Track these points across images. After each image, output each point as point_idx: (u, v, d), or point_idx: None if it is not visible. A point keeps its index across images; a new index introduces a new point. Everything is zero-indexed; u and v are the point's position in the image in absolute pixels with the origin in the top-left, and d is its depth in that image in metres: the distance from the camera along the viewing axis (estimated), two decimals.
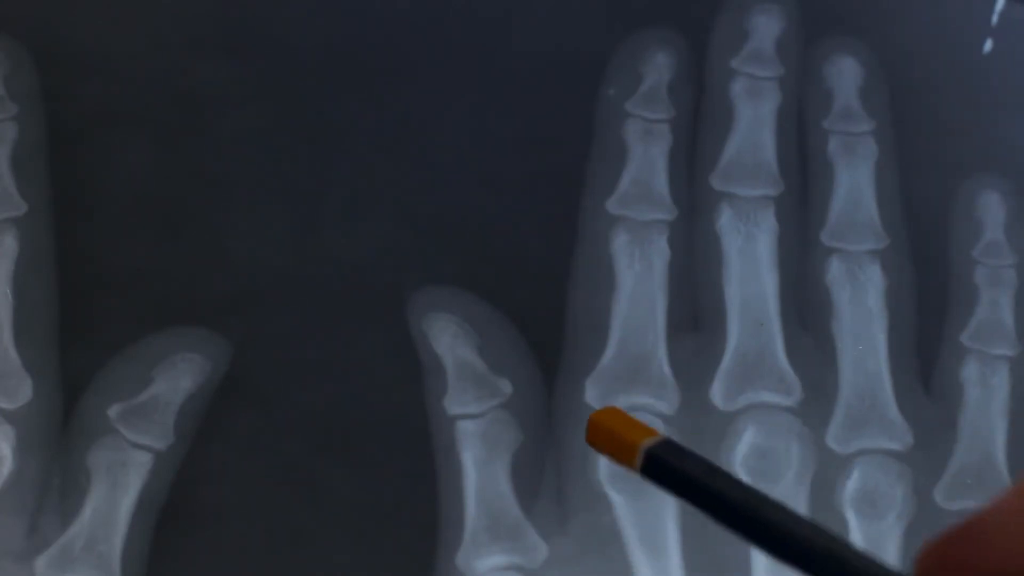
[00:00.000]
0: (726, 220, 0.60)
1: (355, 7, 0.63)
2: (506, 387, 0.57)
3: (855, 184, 0.61)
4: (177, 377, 0.56)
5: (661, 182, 0.61)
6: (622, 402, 0.57)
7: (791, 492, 0.56)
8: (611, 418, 0.34)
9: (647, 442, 0.33)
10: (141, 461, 0.55)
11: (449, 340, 0.57)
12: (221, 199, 0.59)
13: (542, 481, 0.56)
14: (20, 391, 0.55)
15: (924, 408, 0.58)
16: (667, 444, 0.33)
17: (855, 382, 0.58)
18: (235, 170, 0.60)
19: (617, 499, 0.55)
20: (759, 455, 0.56)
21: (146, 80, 0.61)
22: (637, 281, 0.59)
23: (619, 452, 0.34)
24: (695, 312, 0.59)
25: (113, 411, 0.55)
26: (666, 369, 0.58)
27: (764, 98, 0.62)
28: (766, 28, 0.63)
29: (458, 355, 0.57)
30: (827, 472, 0.56)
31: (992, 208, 0.61)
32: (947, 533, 0.29)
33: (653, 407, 0.57)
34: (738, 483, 0.32)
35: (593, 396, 0.57)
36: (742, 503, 0.32)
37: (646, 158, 0.61)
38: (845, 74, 0.63)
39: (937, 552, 0.29)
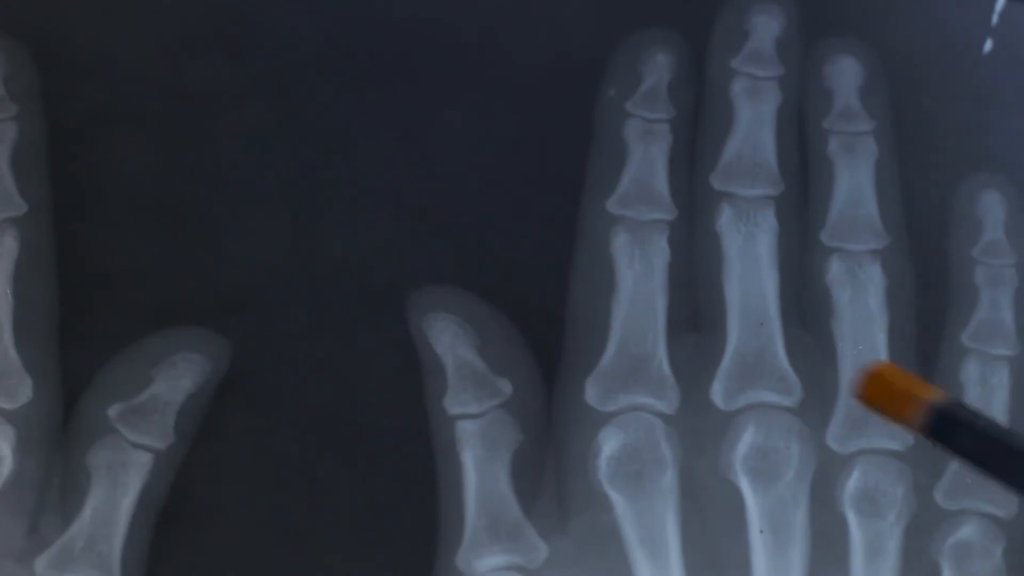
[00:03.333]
0: (726, 220, 0.60)
1: (355, 7, 0.63)
2: (506, 387, 0.57)
3: (855, 184, 0.61)
4: (177, 377, 0.56)
5: (661, 182, 0.61)
6: (622, 402, 0.57)
7: (791, 492, 0.56)
8: (893, 373, 0.31)
9: (935, 398, 0.30)
10: (141, 461, 0.55)
11: (449, 340, 0.57)
12: (221, 199, 0.59)
13: (542, 481, 0.56)
14: (20, 391, 0.55)
15: None
16: (958, 404, 0.31)
17: None
18: (235, 170, 0.60)
19: (617, 499, 0.55)
20: (759, 455, 0.56)
21: (146, 80, 0.61)
22: (637, 281, 0.59)
23: (898, 407, 0.31)
24: (695, 312, 0.59)
25: (113, 411, 0.55)
26: (666, 369, 0.58)
27: (764, 98, 0.62)
28: (766, 28, 0.63)
29: (458, 355, 0.57)
30: (827, 471, 0.56)
31: (992, 208, 0.61)
32: None
33: (653, 407, 0.57)
34: None
35: (593, 396, 0.57)
36: None
37: (646, 158, 0.61)
38: (845, 74, 0.63)
39: None
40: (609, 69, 0.62)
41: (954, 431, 0.30)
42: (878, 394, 0.31)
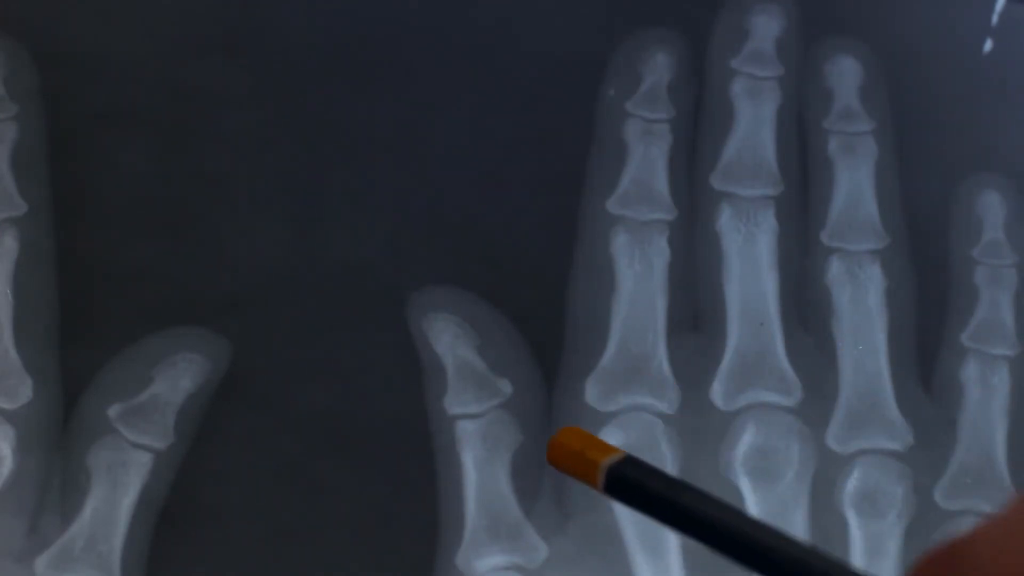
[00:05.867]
0: (726, 220, 0.60)
1: (355, 7, 0.63)
2: (506, 387, 0.57)
3: (855, 184, 0.61)
4: (177, 377, 0.56)
5: (661, 182, 0.61)
6: (622, 402, 0.57)
7: (791, 492, 0.56)
8: (572, 438, 0.34)
9: (608, 459, 0.33)
10: (141, 461, 0.55)
11: (449, 340, 0.57)
12: (221, 199, 0.59)
13: (542, 481, 0.56)
14: (20, 391, 0.55)
15: (924, 408, 0.58)
16: (629, 461, 0.33)
17: (855, 382, 0.58)
18: (235, 170, 0.60)
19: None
20: (759, 455, 0.56)
21: (146, 80, 0.61)
22: (637, 281, 0.59)
23: (583, 472, 0.33)
24: (695, 312, 0.59)
25: (113, 411, 0.55)
26: (666, 369, 0.57)
27: (764, 98, 0.62)
28: (766, 28, 0.63)
29: (458, 355, 0.57)
30: (827, 472, 0.56)
31: (992, 208, 0.61)
32: (938, 550, 0.29)
33: (653, 407, 0.57)
34: (702, 495, 0.32)
35: (593, 396, 0.57)
36: (706, 515, 0.31)
37: (646, 158, 0.61)
38: (845, 74, 0.63)
39: (929, 569, 0.29)
40: (609, 69, 0.62)
41: (626, 489, 0.32)
42: (564, 460, 0.33)
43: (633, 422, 0.57)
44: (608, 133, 0.61)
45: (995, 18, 0.64)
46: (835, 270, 0.60)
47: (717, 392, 0.57)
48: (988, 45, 0.64)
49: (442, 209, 0.60)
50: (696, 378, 0.58)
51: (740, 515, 0.31)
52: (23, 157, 0.59)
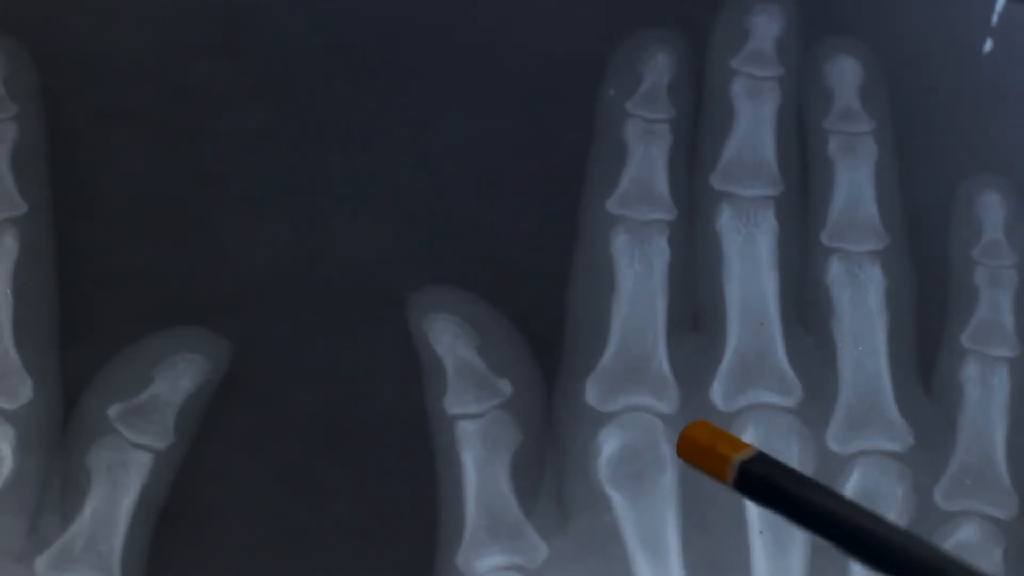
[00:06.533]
0: (726, 220, 0.60)
1: (355, 7, 0.63)
2: (506, 387, 0.57)
3: (855, 184, 0.61)
4: (177, 377, 0.56)
5: (661, 182, 0.61)
6: (622, 402, 0.57)
7: None
8: (703, 432, 0.34)
9: (740, 455, 0.33)
10: (141, 461, 0.55)
11: (449, 340, 0.57)
12: (221, 199, 0.59)
13: (542, 481, 0.56)
14: (20, 391, 0.55)
15: (924, 408, 0.58)
16: (761, 458, 0.33)
17: (855, 382, 0.58)
18: (235, 170, 0.60)
19: (617, 499, 0.55)
20: None
21: (146, 80, 0.61)
22: (637, 281, 0.59)
23: (713, 466, 0.33)
24: (695, 312, 0.59)
25: (113, 411, 0.55)
26: (666, 369, 0.58)
27: (764, 98, 0.62)
28: (766, 28, 0.63)
29: (458, 355, 0.57)
30: (827, 472, 0.56)
31: (992, 208, 0.61)
32: None
33: (653, 407, 0.57)
34: (833, 494, 0.32)
35: (593, 396, 0.57)
36: (838, 515, 0.31)
37: (646, 158, 0.61)
38: (845, 74, 0.63)
39: None
40: (609, 69, 0.62)
41: (757, 486, 0.33)
42: (695, 454, 0.34)
43: (633, 422, 0.57)
44: (608, 133, 0.61)
45: (995, 18, 0.64)
46: (835, 270, 0.60)
47: (717, 392, 0.57)
48: (988, 45, 0.64)
49: (442, 209, 0.60)
50: (696, 378, 0.58)
51: (872, 516, 0.31)
52: (23, 157, 0.59)
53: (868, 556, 0.31)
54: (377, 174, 0.60)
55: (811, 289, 0.60)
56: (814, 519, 0.32)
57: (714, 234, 0.60)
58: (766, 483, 0.33)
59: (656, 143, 0.61)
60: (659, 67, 0.62)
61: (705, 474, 0.34)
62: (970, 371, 0.58)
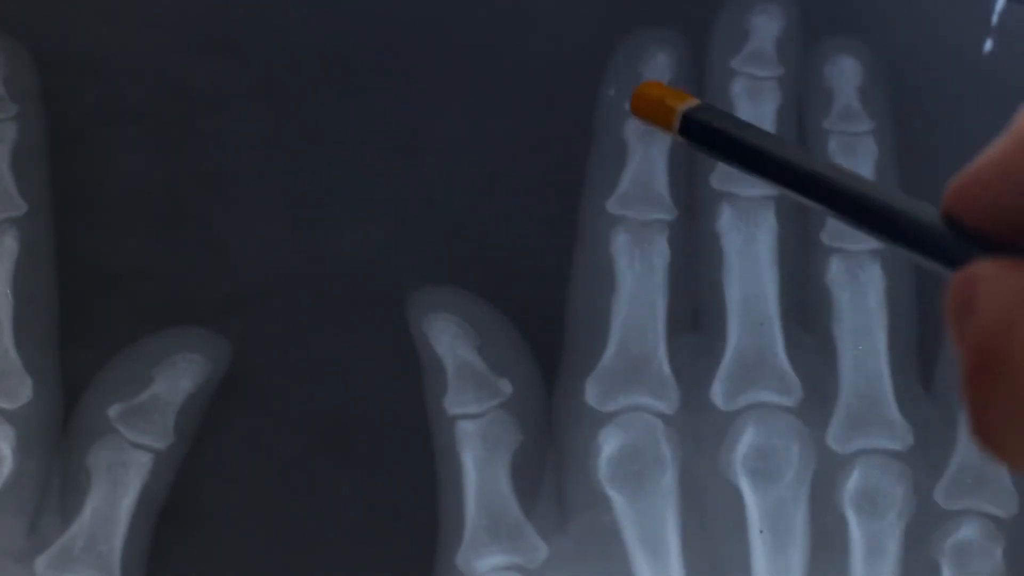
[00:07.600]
0: (726, 220, 0.60)
1: (355, 7, 0.63)
2: (506, 387, 0.57)
3: None
4: (177, 377, 0.56)
5: (661, 182, 0.61)
6: (622, 402, 0.57)
7: (791, 492, 0.56)
8: (654, 88, 0.35)
9: (685, 105, 0.34)
10: (141, 461, 0.55)
11: (449, 340, 0.57)
12: (221, 199, 0.59)
13: (542, 481, 0.56)
14: (20, 391, 0.55)
15: (924, 408, 0.58)
16: (705, 107, 0.34)
17: (855, 382, 0.58)
18: (235, 170, 0.60)
19: (617, 499, 0.55)
20: (759, 455, 0.56)
21: (146, 80, 0.61)
22: (637, 281, 0.59)
23: (662, 119, 0.35)
24: (695, 312, 0.59)
25: (113, 411, 0.55)
26: (666, 369, 0.58)
27: (764, 98, 0.62)
28: (766, 28, 0.63)
29: (458, 355, 0.57)
30: (827, 472, 0.56)
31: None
32: (973, 170, 0.29)
33: (653, 407, 0.57)
34: (772, 136, 0.33)
35: (593, 396, 0.57)
36: (775, 155, 0.33)
37: (646, 158, 0.61)
38: (845, 74, 0.63)
39: (964, 190, 0.29)
40: (609, 69, 0.62)
41: (700, 133, 0.35)
42: (644, 107, 0.36)
43: (633, 422, 0.57)
44: (608, 133, 0.61)
45: (995, 18, 0.64)
46: (835, 270, 0.60)
47: (717, 392, 0.57)
48: (988, 45, 0.64)
49: (442, 209, 0.60)
50: (696, 378, 0.58)
51: (803, 152, 0.32)
52: (23, 157, 0.59)
53: (802, 190, 0.32)
54: (377, 174, 0.60)
55: (811, 289, 0.60)
56: (753, 161, 0.33)
57: (714, 234, 0.60)
58: (708, 128, 0.34)
59: (656, 143, 0.61)
60: (659, 67, 0.62)
61: (656, 127, 0.35)
62: None
